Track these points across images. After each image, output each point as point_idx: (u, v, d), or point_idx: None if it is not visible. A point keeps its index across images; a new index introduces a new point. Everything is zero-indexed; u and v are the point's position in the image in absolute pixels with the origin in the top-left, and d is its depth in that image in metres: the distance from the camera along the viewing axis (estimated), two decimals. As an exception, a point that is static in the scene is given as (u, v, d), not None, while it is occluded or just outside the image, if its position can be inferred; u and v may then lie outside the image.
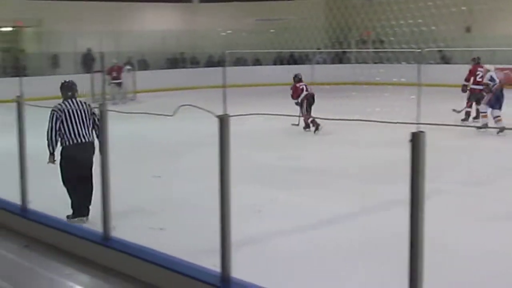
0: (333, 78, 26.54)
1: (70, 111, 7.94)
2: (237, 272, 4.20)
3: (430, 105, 5.03)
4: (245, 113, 4.65)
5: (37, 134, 7.72)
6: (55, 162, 7.94)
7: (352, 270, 6.33)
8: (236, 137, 4.26)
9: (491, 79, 14.90)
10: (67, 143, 7.93)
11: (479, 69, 16.16)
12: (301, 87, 15.59)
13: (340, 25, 26.38)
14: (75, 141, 7.92)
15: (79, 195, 7.93)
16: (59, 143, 7.98)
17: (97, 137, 8.00)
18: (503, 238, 7.27)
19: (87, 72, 23.62)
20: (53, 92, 9.50)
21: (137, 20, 29.63)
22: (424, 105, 3.65)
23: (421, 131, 3.35)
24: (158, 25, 29.33)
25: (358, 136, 13.24)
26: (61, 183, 8.01)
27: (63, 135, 7.91)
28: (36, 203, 6.46)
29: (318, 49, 29.55)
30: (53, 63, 27.21)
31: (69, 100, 8.10)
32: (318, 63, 30.30)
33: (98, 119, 7.98)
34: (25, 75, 22.13)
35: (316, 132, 15.05)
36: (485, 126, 14.18)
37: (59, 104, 8.01)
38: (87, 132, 8.01)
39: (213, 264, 4.29)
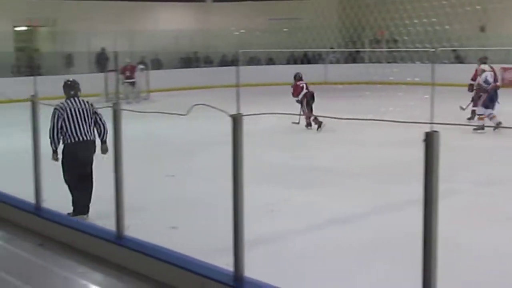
0: (346, 78, 26.52)
1: (72, 109, 8.03)
2: (250, 271, 4.20)
3: (443, 104, 5.02)
4: (258, 113, 4.65)
5: (51, 133, 7.81)
6: (58, 159, 8.01)
7: (366, 270, 6.32)
8: (249, 136, 4.27)
9: (486, 81, 15.11)
10: (68, 141, 8.02)
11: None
12: (301, 85, 15.95)
13: (353, 25, 26.34)
14: (76, 139, 8.00)
15: (79, 193, 8.03)
16: (61, 141, 8.08)
17: (99, 135, 8.17)
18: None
19: (101, 72, 23.73)
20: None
21: (150, 19, 29.71)
22: (437, 104, 3.64)
23: (435, 131, 3.34)
24: (172, 25, 29.38)
25: (372, 136, 13.19)
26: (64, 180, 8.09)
27: (65, 133, 8.00)
28: (50, 202, 6.50)
29: (332, 48, 29.52)
30: (67, 62, 27.32)
31: (72, 99, 8.19)
32: (331, 62, 30.30)
33: (100, 118, 8.13)
34: (40, 75, 22.34)
35: (319, 129, 15.24)
36: (482, 127, 14.19)
37: (61, 103, 8.11)
38: (88, 130, 8.10)
39: (226, 263, 4.30)
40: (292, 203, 8.83)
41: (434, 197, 3.35)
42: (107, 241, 5.25)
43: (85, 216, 7.92)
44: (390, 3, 22.55)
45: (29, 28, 27.52)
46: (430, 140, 3.33)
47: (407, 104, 13.33)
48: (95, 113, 8.17)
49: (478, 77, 15.70)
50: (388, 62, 26.13)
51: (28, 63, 26.14)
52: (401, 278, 5.69)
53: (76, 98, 8.22)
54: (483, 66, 15.71)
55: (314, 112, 15.53)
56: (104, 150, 8.11)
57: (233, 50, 28.88)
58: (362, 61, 29.90)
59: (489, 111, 14.80)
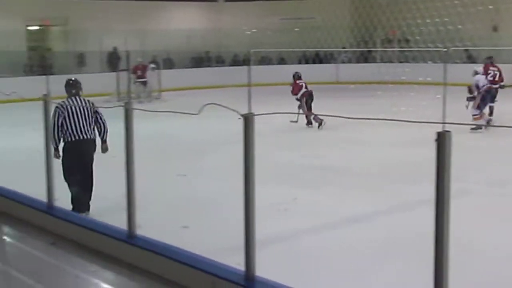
0: (358, 77, 26.45)
1: (73, 108, 8.10)
2: (262, 271, 4.20)
3: (455, 104, 5.00)
4: (270, 112, 4.65)
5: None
6: (60, 157, 8.05)
7: (377, 270, 6.30)
8: (260, 135, 4.26)
9: (476, 85, 15.27)
10: (68, 139, 8.08)
11: (491, 68, 16.51)
12: (300, 84, 16.43)
13: (365, 24, 26.30)
14: (76, 137, 8.07)
15: (79, 190, 8.08)
16: (61, 139, 8.15)
17: (99, 134, 8.26)
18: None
19: (113, 71, 23.80)
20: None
21: (162, 19, 29.75)
22: (449, 104, 3.63)
23: (447, 131, 3.33)
24: (184, 24, 29.42)
25: (383, 136, 13.17)
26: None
27: (65, 131, 8.07)
28: (62, 201, 6.53)
29: (343, 48, 29.48)
30: (79, 61, 27.43)
31: (73, 98, 8.28)
32: (343, 62, 30.27)
33: (100, 117, 8.23)
34: (52, 74, 22.34)
35: (320, 127, 15.47)
36: (479, 127, 14.19)
37: (62, 101, 8.18)
38: (88, 129, 8.16)
39: (237, 262, 4.30)
40: (303, 202, 8.82)
41: (446, 197, 3.33)
42: (118, 240, 5.26)
43: (84, 214, 7.95)
44: (403, 3, 22.51)
45: (41, 27, 27.63)
46: (442, 140, 3.31)
47: (419, 104, 13.31)
48: (96, 112, 8.26)
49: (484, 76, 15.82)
50: (400, 62, 26.03)
51: (40, 62, 26.24)
52: (413, 278, 5.68)
53: (77, 97, 8.31)
54: (476, 68, 15.92)
55: (313, 111, 15.86)
56: (104, 150, 8.24)
57: (244, 49, 28.89)
58: (374, 60, 29.82)
59: (478, 111, 14.98)
